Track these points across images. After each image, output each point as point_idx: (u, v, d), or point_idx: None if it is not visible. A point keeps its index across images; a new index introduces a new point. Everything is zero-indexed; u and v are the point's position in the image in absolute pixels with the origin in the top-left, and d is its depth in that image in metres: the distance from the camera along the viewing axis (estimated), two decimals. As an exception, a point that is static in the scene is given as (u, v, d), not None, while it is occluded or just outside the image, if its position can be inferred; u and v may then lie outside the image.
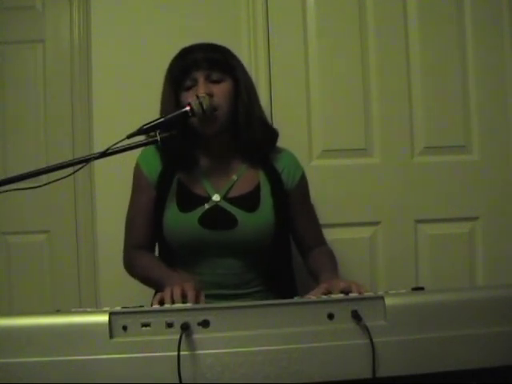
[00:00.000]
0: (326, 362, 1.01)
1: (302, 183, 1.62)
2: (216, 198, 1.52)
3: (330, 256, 1.60)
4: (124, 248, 1.59)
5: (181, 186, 1.53)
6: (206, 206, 1.51)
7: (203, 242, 1.49)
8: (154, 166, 1.56)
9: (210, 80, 1.47)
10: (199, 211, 1.50)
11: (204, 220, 1.49)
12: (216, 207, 1.51)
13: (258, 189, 1.54)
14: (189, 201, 1.51)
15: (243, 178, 1.56)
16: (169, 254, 1.54)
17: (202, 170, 1.55)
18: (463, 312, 1.04)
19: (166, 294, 1.25)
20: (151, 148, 1.55)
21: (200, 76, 1.47)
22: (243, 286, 1.53)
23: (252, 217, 1.50)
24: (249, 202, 1.52)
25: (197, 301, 1.26)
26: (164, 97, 1.53)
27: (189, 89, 1.48)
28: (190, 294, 1.26)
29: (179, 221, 1.50)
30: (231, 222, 1.49)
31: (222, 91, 1.48)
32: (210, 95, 1.45)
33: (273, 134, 1.59)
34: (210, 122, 1.46)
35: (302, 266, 1.65)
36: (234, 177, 1.55)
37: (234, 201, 1.52)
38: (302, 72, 2.06)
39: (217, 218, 1.49)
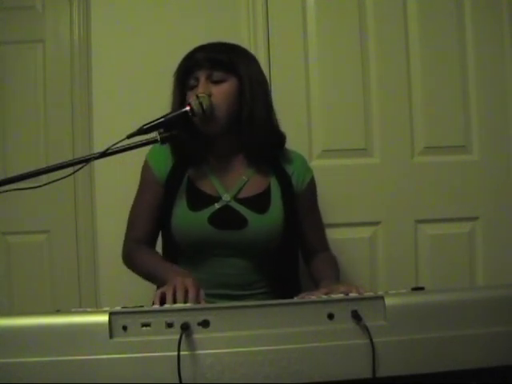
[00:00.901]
0: (325, 362, 1.01)
1: (311, 187, 1.62)
2: (226, 197, 1.52)
3: (333, 264, 1.60)
4: (124, 241, 1.58)
5: (191, 184, 1.53)
6: (217, 205, 1.50)
7: (212, 242, 1.49)
8: (163, 163, 1.56)
9: (211, 80, 1.47)
10: (209, 210, 1.50)
11: (214, 219, 1.49)
12: (226, 207, 1.51)
13: (268, 191, 1.54)
14: (199, 199, 1.51)
15: (253, 179, 1.55)
16: (174, 251, 1.54)
17: (212, 169, 1.55)
18: (463, 312, 1.04)
19: (168, 292, 1.24)
20: (161, 146, 1.55)
21: (201, 76, 1.47)
22: (248, 287, 1.53)
23: (262, 218, 1.50)
24: (259, 203, 1.51)
25: (197, 299, 1.26)
26: (172, 96, 1.54)
27: (192, 88, 1.48)
28: (192, 292, 1.25)
29: (189, 219, 1.49)
30: (241, 222, 1.49)
31: (221, 91, 1.47)
32: (209, 95, 1.44)
33: (279, 137, 1.57)
34: (210, 122, 1.46)
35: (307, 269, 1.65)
36: (244, 177, 1.55)
37: (244, 201, 1.51)
38: (302, 72, 2.06)
39: (227, 218, 1.49)
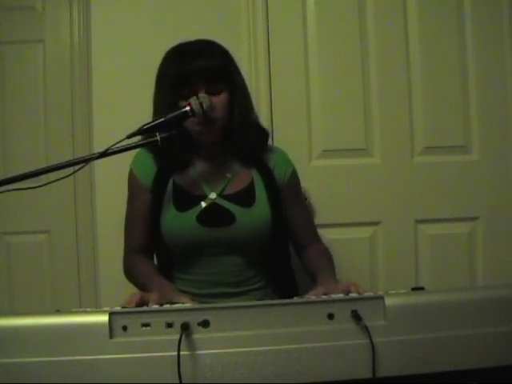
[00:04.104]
0: (326, 362, 1.01)
1: (293, 180, 1.62)
2: (212, 195, 1.52)
3: (326, 255, 1.60)
4: (124, 253, 1.59)
5: (177, 187, 1.54)
6: (203, 204, 1.51)
7: (202, 240, 1.49)
8: (148, 169, 1.56)
9: (209, 91, 1.46)
10: (197, 210, 1.50)
11: (202, 218, 1.49)
12: (213, 205, 1.51)
13: (252, 185, 1.55)
14: (185, 200, 1.52)
15: (237, 175, 1.56)
16: (167, 255, 1.55)
17: (197, 171, 1.56)
18: (463, 312, 1.04)
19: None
20: (144, 152, 1.56)
21: (200, 87, 1.45)
22: (243, 284, 1.54)
23: (249, 212, 1.51)
24: (244, 197, 1.53)
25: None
26: (160, 102, 1.51)
27: (187, 98, 1.43)
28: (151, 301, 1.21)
29: (177, 220, 1.50)
30: (229, 218, 1.50)
31: (221, 103, 1.48)
32: (212, 108, 1.43)
33: (264, 137, 1.60)
34: (208, 132, 1.47)
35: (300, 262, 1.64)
36: (229, 175, 1.56)
37: (230, 197, 1.52)
38: (302, 72, 2.06)
39: (214, 215, 1.50)
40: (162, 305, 1.15)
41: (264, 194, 1.54)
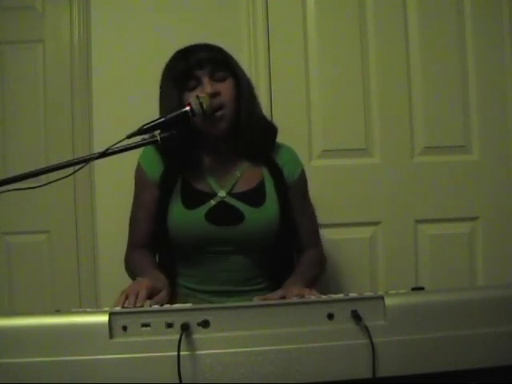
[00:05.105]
0: (325, 362, 1.01)
1: (301, 180, 1.61)
2: (222, 193, 1.52)
3: (312, 262, 1.60)
4: (126, 247, 1.59)
5: (185, 184, 1.53)
6: (212, 202, 1.50)
7: (210, 239, 1.49)
8: (156, 165, 1.55)
9: (214, 79, 1.47)
10: (205, 207, 1.49)
11: (211, 216, 1.49)
12: (222, 203, 1.51)
13: (262, 184, 1.55)
14: (194, 198, 1.51)
15: (247, 174, 1.56)
16: (171, 250, 1.54)
17: (206, 168, 1.55)
18: (463, 312, 1.04)
19: (119, 301, 1.22)
20: (152, 148, 1.55)
21: (204, 75, 1.46)
22: (246, 283, 1.53)
23: (258, 212, 1.50)
24: (254, 197, 1.52)
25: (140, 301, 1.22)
26: (166, 98, 1.51)
27: (193, 89, 1.47)
28: (140, 296, 1.22)
29: (185, 218, 1.49)
30: (238, 217, 1.49)
31: (227, 89, 1.47)
32: (217, 93, 1.44)
33: (273, 132, 1.59)
34: (217, 121, 1.46)
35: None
36: (238, 173, 1.55)
37: (239, 196, 1.52)
38: (302, 72, 2.06)
39: (223, 214, 1.49)
40: (161, 304, 1.15)
41: (274, 193, 1.54)
